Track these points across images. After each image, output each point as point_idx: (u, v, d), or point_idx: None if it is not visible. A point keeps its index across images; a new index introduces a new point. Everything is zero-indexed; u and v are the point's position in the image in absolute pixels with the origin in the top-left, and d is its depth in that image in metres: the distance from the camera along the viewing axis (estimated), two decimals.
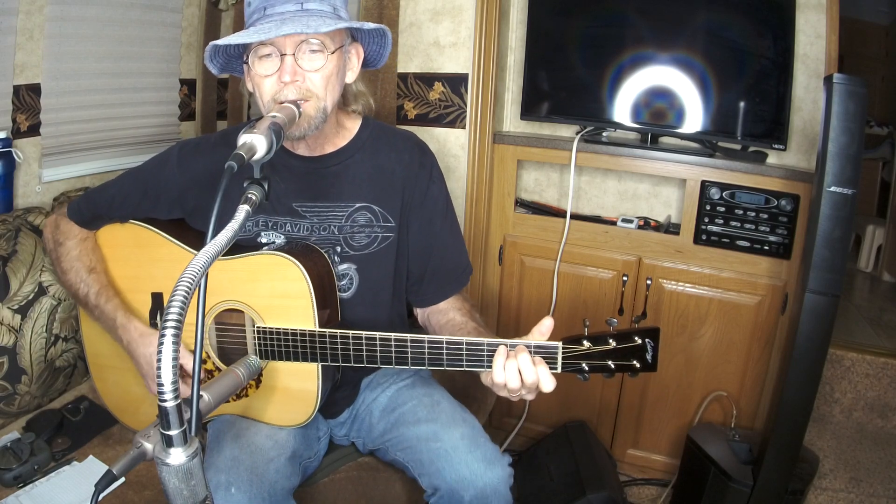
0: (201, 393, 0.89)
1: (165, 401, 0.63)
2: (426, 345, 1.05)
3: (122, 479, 1.09)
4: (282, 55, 1.05)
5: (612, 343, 1.01)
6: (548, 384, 0.99)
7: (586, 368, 1.02)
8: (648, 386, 2.06)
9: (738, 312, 1.92)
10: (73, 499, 1.23)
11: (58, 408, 1.50)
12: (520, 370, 0.99)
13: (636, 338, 1.01)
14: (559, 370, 1.02)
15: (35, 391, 1.50)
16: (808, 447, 1.88)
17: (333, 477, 1.33)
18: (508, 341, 1.02)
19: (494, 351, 1.02)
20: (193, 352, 0.72)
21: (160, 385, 0.63)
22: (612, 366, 1.02)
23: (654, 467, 2.12)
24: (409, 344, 1.06)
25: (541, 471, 1.93)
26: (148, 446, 0.71)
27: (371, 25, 1.11)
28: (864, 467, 1.93)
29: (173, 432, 0.65)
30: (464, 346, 1.04)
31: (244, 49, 1.11)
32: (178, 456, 0.66)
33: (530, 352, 1.00)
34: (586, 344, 1.01)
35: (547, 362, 1.01)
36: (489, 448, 1.17)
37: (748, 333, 1.93)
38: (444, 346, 1.05)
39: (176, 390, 0.63)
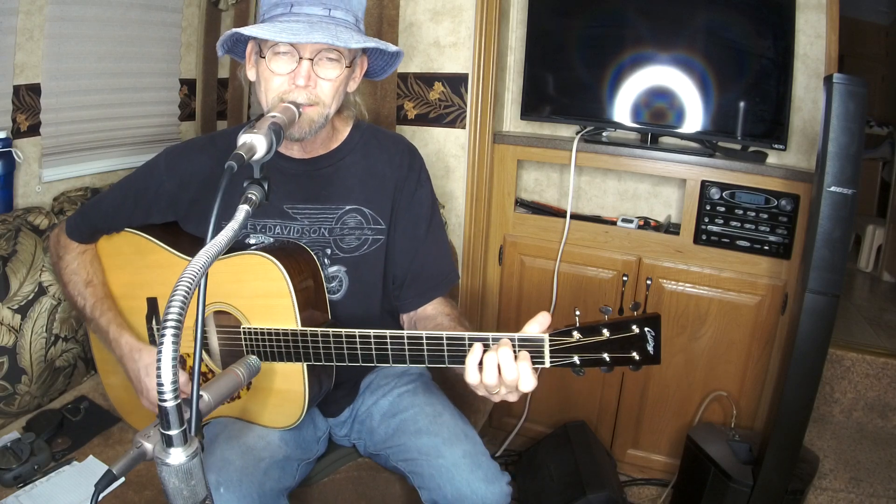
0: (201, 393, 0.89)
1: (165, 401, 0.63)
2: (405, 340, 1.01)
3: (122, 479, 1.09)
4: (300, 58, 1.04)
5: (606, 333, 0.91)
6: (526, 382, 0.91)
7: (578, 362, 0.93)
8: (648, 386, 2.06)
9: (738, 312, 1.92)
10: (73, 499, 1.23)
11: (58, 408, 1.50)
12: (499, 366, 0.92)
13: (633, 326, 0.91)
14: (547, 364, 0.94)
15: (35, 391, 1.50)
16: (808, 447, 1.88)
17: (333, 477, 1.33)
18: (492, 335, 0.95)
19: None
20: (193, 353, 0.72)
21: (160, 385, 0.63)
22: (608, 358, 0.92)
23: (654, 467, 2.12)
24: (388, 340, 1.02)
25: (541, 471, 1.93)
26: (148, 446, 0.71)
27: (394, 48, 1.12)
28: (864, 467, 1.92)
29: (173, 432, 0.65)
30: (444, 341, 0.99)
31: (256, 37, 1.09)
32: (178, 456, 0.66)
33: (514, 346, 0.93)
34: (576, 335, 0.92)
35: (534, 357, 0.93)
36: (490, 467, 1.16)
37: (748, 333, 1.93)
38: (424, 340, 1.00)
39: (176, 390, 0.63)
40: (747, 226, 1.89)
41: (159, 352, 0.62)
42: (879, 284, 3.34)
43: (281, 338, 1.11)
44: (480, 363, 0.94)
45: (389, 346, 1.03)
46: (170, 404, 0.63)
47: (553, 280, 2.09)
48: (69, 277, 1.32)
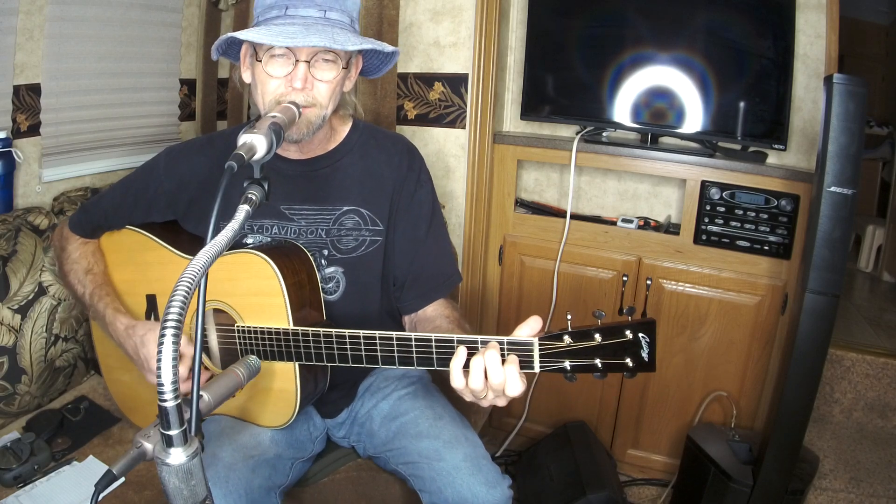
0: (201, 393, 0.89)
1: (165, 401, 0.63)
2: (395, 342, 1.00)
3: (122, 479, 1.09)
4: (296, 60, 1.04)
5: (598, 338, 0.88)
6: (513, 386, 0.88)
7: (569, 368, 0.90)
8: (648, 386, 2.06)
9: (737, 312, 1.92)
10: (73, 499, 1.23)
11: (58, 408, 1.50)
12: (486, 369, 0.89)
13: (627, 332, 0.87)
14: (536, 369, 0.91)
15: (35, 391, 1.50)
16: (808, 447, 1.88)
17: (333, 477, 1.33)
18: (480, 338, 0.93)
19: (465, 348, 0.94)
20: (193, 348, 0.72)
21: (160, 385, 0.63)
22: (600, 364, 0.89)
23: (654, 467, 2.12)
24: (377, 341, 1.02)
25: (541, 471, 1.93)
26: (148, 446, 0.71)
27: (390, 48, 1.12)
28: (864, 467, 1.92)
29: (173, 432, 0.65)
30: (433, 343, 0.97)
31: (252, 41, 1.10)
32: (178, 456, 0.66)
33: (502, 349, 0.91)
34: (567, 340, 0.89)
35: (523, 361, 0.90)
36: (491, 470, 1.16)
37: (748, 333, 1.93)
38: (413, 342, 0.99)
39: (176, 390, 0.63)
40: (747, 226, 1.89)
41: (159, 352, 0.62)
42: (879, 284, 3.34)
43: (273, 337, 1.10)
44: (466, 367, 0.92)
45: (379, 348, 1.02)
46: (170, 404, 0.63)
47: (553, 280, 2.09)
48: (70, 266, 1.32)
